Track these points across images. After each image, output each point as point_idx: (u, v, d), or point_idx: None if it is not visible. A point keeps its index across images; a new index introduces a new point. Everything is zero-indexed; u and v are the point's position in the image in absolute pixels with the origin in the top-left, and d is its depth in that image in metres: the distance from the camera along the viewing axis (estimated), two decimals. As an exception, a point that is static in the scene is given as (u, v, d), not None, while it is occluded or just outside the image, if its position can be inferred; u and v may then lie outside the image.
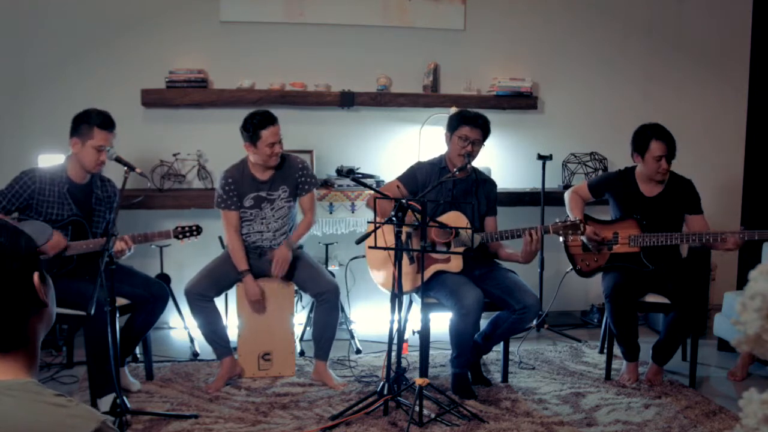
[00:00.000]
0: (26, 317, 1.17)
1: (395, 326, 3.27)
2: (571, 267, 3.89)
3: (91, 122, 3.34)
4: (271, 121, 3.61)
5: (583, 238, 3.72)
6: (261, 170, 3.70)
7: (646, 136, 3.70)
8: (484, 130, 3.61)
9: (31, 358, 1.18)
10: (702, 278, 4.44)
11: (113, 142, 3.39)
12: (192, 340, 4.16)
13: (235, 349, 3.75)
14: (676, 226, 3.76)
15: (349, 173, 4.25)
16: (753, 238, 3.53)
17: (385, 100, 4.68)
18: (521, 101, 4.87)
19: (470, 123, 3.58)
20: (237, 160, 3.77)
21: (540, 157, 4.60)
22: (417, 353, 3.69)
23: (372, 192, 3.53)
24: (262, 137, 3.58)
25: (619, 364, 3.88)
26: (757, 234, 3.51)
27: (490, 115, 3.69)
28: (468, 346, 3.51)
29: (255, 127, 3.58)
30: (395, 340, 3.27)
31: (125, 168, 3.21)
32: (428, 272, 3.56)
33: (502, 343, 3.68)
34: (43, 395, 1.09)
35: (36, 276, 1.17)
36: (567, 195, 3.95)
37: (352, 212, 4.49)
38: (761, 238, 3.54)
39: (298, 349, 4.07)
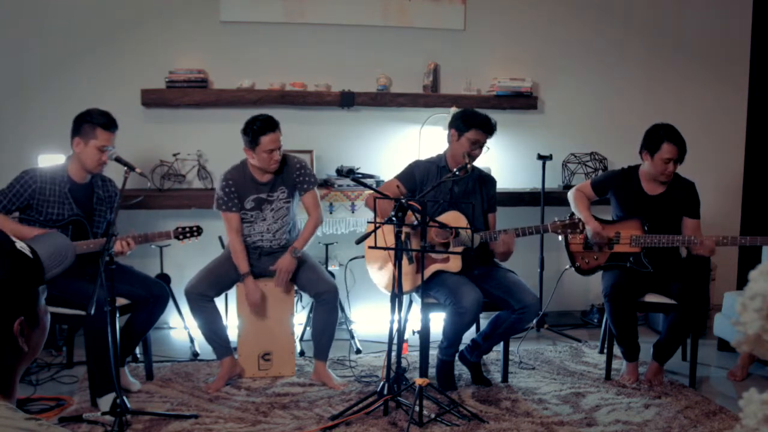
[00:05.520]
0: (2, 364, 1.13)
1: (395, 326, 3.27)
2: (570, 264, 3.89)
3: (94, 122, 3.35)
4: (272, 127, 3.58)
5: (588, 232, 3.71)
6: (261, 172, 3.70)
7: (658, 136, 3.66)
8: (492, 134, 3.63)
9: (7, 385, 1.15)
10: (702, 278, 4.43)
11: (114, 142, 3.40)
12: (192, 340, 4.16)
13: (235, 349, 3.75)
14: (676, 227, 3.75)
15: (349, 173, 4.25)
16: (750, 243, 3.55)
17: (385, 100, 4.68)
18: (521, 101, 4.86)
19: (483, 128, 3.57)
20: (237, 161, 3.77)
21: (540, 157, 4.60)
22: (417, 353, 3.70)
23: (372, 192, 3.53)
24: (261, 143, 3.56)
25: (619, 364, 3.88)
26: (751, 240, 3.54)
27: (490, 114, 3.68)
28: (459, 341, 3.54)
29: (255, 132, 3.56)
30: (395, 340, 3.27)
31: (125, 168, 3.21)
32: (428, 272, 3.56)
33: (502, 343, 3.68)
34: (14, 419, 1.07)
35: (17, 323, 1.12)
36: (571, 194, 3.94)
37: (352, 212, 4.49)
38: (751, 243, 3.55)
39: (298, 349, 4.07)
